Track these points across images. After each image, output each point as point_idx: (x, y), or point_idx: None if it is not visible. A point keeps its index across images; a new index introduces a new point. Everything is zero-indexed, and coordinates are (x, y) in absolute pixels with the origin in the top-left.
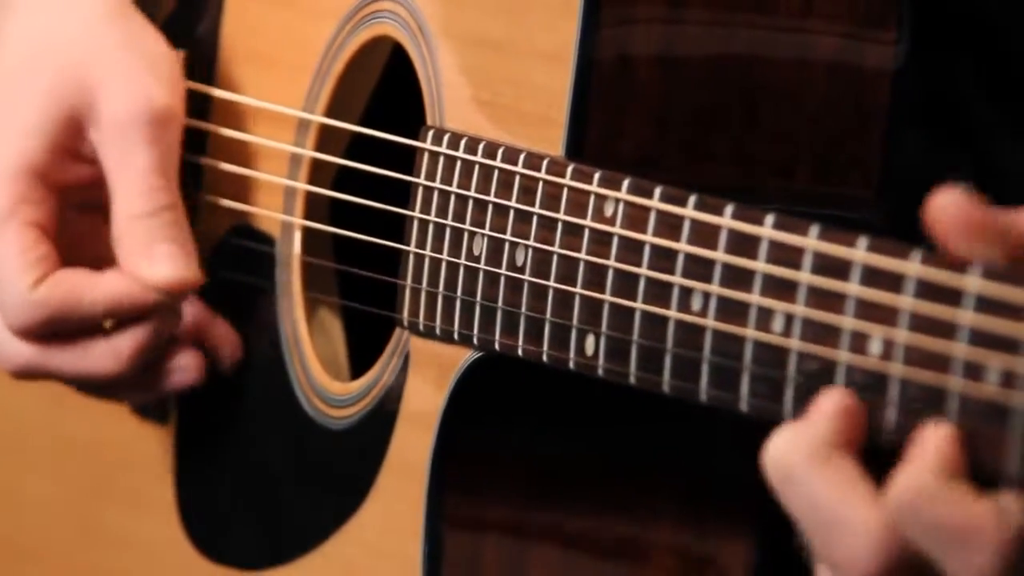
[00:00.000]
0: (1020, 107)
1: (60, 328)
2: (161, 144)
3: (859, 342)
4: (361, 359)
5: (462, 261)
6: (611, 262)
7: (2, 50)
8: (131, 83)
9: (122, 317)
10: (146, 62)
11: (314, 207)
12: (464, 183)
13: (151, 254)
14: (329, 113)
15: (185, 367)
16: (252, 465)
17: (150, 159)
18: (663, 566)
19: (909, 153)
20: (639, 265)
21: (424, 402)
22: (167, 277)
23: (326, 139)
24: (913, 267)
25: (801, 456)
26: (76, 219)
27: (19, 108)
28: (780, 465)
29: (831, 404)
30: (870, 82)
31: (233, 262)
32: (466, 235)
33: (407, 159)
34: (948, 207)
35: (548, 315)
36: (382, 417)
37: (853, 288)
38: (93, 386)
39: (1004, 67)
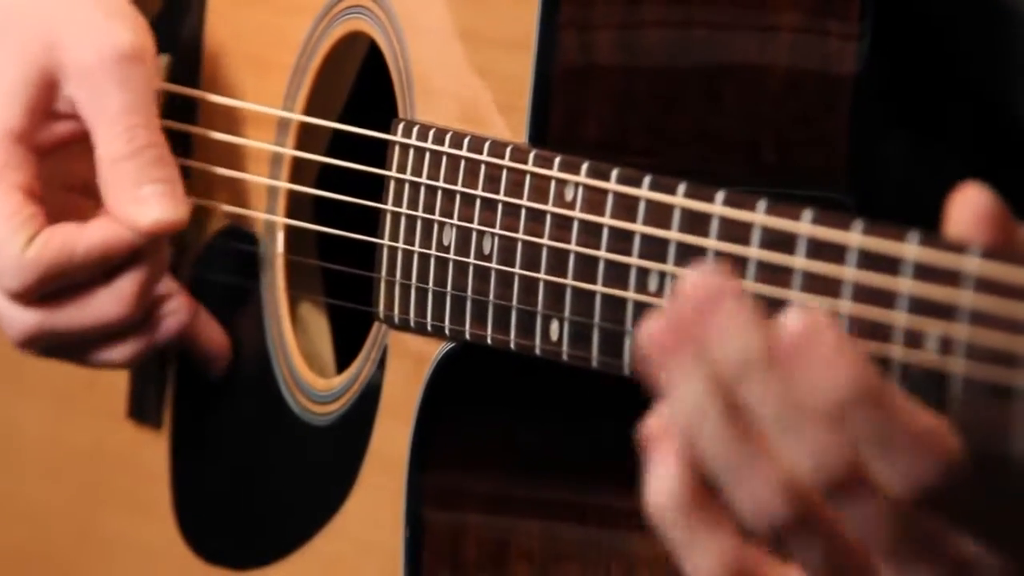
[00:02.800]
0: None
1: (59, 283)
2: (133, 83)
3: None
4: (347, 355)
5: (433, 252)
6: (572, 246)
7: None
8: (94, 30)
9: (117, 261)
10: (107, 10)
11: (297, 206)
12: (433, 174)
13: (138, 196)
14: (308, 110)
15: (176, 309)
16: (243, 465)
17: (123, 99)
18: (645, 548)
19: (890, 150)
20: (599, 248)
21: (402, 394)
22: (156, 219)
23: (307, 137)
24: (855, 237)
25: None
26: (62, 198)
27: None
28: None
29: None
30: (834, 57)
31: (218, 264)
32: (436, 226)
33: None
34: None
35: (515, 302)
36: (363, 411)
37: (799, 261)
38: (96, 341)
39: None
